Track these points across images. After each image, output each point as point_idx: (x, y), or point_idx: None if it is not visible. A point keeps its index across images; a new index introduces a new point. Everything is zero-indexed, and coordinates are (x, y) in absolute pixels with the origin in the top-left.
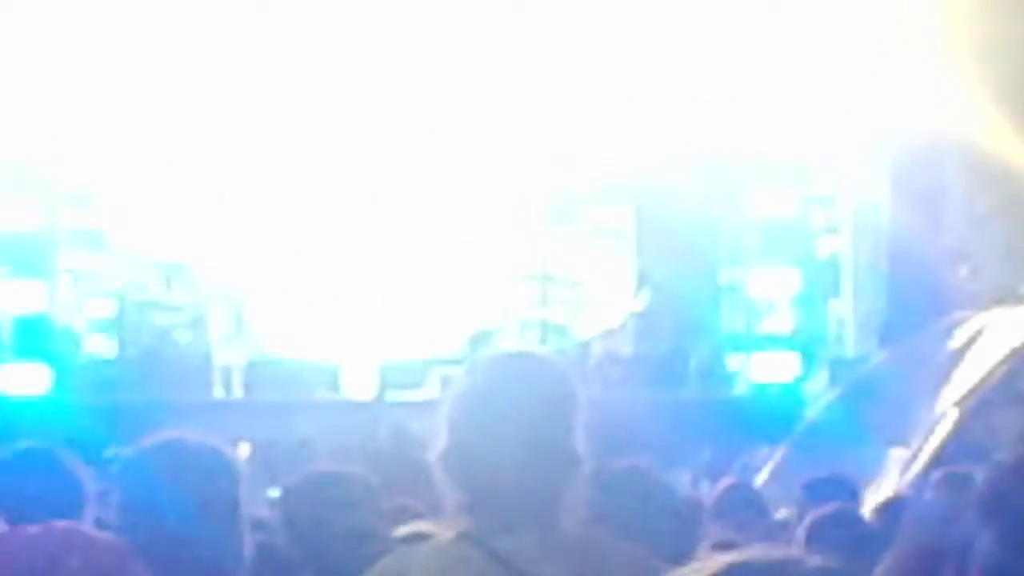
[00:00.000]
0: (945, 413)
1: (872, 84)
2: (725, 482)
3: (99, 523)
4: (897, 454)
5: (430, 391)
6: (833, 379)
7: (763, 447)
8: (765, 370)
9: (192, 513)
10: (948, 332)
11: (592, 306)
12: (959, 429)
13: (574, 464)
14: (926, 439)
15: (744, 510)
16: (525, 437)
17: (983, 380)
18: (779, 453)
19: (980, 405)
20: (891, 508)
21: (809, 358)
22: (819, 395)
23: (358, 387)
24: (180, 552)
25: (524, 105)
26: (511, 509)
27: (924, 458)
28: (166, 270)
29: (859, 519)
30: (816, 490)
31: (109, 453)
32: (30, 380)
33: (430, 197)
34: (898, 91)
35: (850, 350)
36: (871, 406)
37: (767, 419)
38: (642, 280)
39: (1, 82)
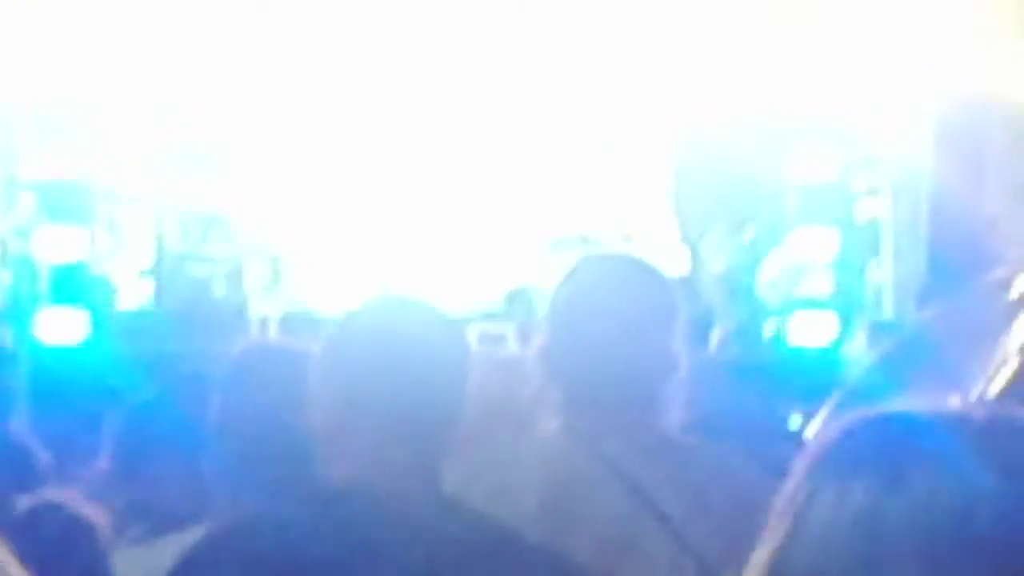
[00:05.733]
0: (1006, 361)
1: (917, 47)
2: None
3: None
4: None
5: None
6: (871, 342)
7: (800, 409)
8: (803, 333)
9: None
10: (996, 289)
11: None
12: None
13: (673, 368)
14: (984, 389)
15: None
16: (625, 335)
17: None
18: (820, 415)
19: None
20: None
21: (847, 321)
22: (857, 358)
23: None
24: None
25: (561, 65)
26: (608, 407)
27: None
28: (203, 222)
29: None
30: None
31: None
32: (67, 328)
33: (468, 154)
34: (943, 54)
35: (888, 313)
36: (915, 367)
37: (805, 382)
38: (684, 241)
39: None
